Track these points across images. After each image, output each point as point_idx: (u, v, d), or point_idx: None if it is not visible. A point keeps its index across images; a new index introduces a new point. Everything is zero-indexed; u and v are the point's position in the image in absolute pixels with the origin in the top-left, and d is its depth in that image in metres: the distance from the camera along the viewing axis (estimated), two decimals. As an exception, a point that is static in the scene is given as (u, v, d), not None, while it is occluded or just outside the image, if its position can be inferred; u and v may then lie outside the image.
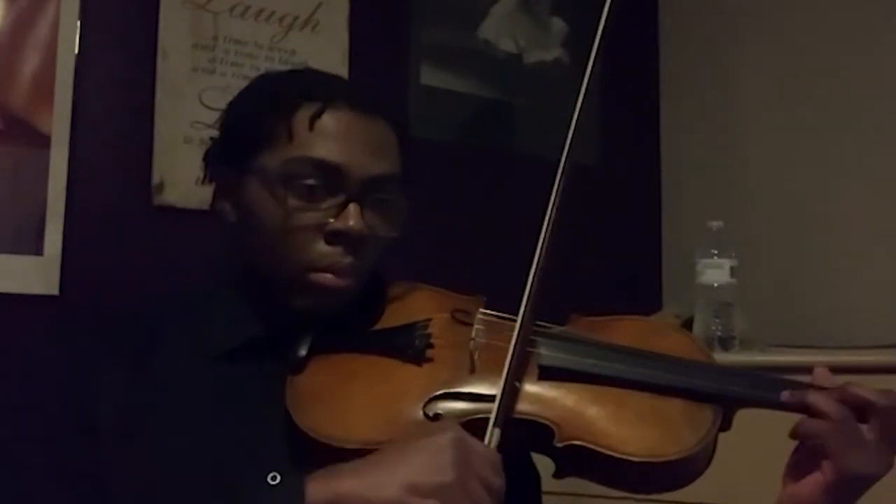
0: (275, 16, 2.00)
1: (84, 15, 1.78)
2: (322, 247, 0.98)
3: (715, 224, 1.90)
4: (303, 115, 1.00)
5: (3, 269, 1.67)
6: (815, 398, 0.93)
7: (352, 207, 0.98)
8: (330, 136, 0.99)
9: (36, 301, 1.69)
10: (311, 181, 0.98)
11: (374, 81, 2.12)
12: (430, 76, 2.23)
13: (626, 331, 1.04)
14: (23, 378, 1.33)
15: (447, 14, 2.28)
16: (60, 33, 1.75)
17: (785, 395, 0.95)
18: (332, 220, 0.98)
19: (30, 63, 1.72)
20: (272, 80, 1.08)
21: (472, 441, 0.86)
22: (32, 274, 1.69)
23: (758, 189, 2.34)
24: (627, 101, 2.56)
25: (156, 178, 1.83)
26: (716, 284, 1.86)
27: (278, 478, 0.91)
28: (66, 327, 1.10)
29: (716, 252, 1.87)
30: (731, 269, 1.87)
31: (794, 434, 0.94)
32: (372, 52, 2.13)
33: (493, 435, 0.89)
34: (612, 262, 2.40)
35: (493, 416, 0.90)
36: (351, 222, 0.97)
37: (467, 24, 2.31)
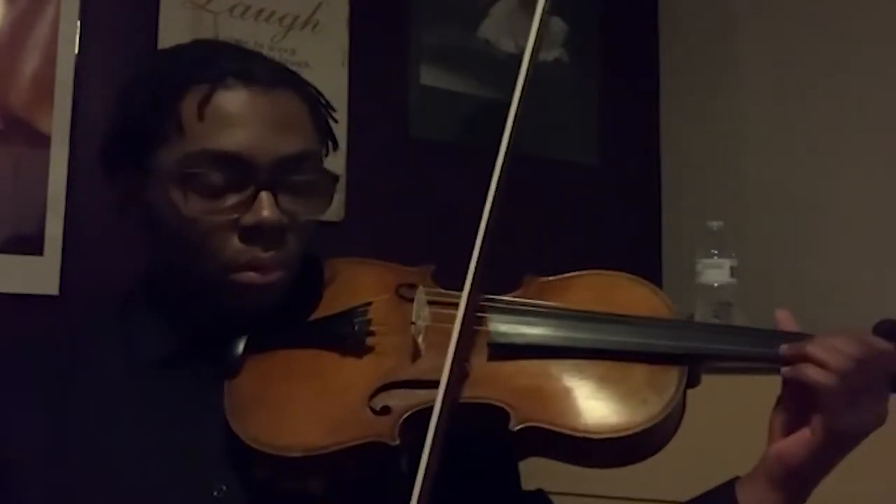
0: (275, 16, 2.00)
1: (84, 15, 1.78)
2: (237, 244, 0.89)
3: (715, 224, 1.90)
4: (190, 104, 0.88)
5: (3, 269, 1.67)
6: (817, 350, 0.86)
7: (263, 197, 0.88)
8: (225, 122, 0.88)
9: (36, 301, 1.69)
10: (212, 176, 0.87)
11: (374, 81, 2.12)
12: (430, 76, 2.23)
13: (583, 290, 0.96)
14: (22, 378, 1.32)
15: (447, 14, 2.28)
16: (60, 33, 1.75)
17: (783, 348, 0.88)
18: (242, 215, 0.88)
19: (30, 63, 1.72)
20: (154, 66, 0.97)
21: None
22: (32, 274, 1.69)
23: (758, 189, 2.34)
24: (627, 100, 2.56)
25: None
26: (716, 284, 1.86)
27: (224, 490, 0.88)
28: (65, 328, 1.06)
29: (716, 252, 1.87)
30: (731, 269, 1.87)
31: (790, 379, 0.87)
32: (372, 52, 2.13)
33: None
34: (612, 262, 2.39)
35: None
36: (265, 213, 0.87)
37: (467, 24, 2.31)
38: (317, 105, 0.96)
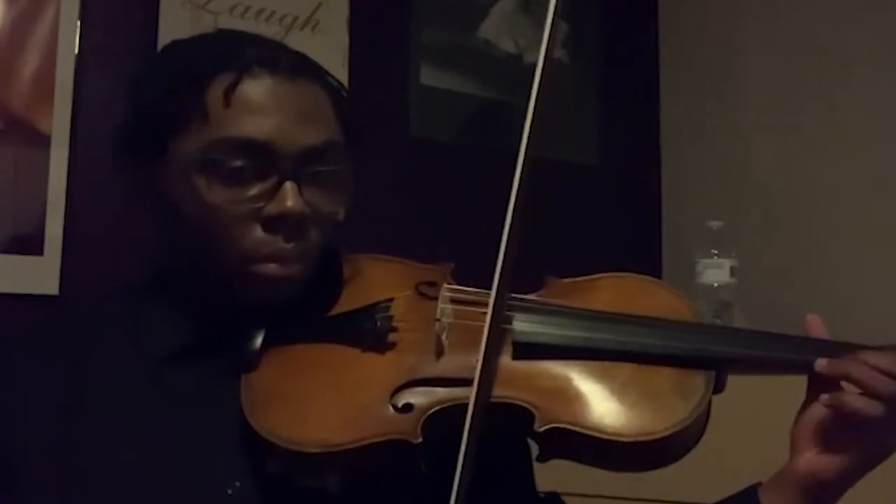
0: (275, 16, 2.00)
1: (84, 15, 1.78)
2: (260, 235, 0.87)
3: (715, 224, 1.90)
4: (216, 91, 0.87)
5: (3, 269, 1.67)
6: (861, 372, 0.83)
7: (287, 186, 0.87)
8: (250, 110, 0.87)
9: (36, 301, 1.69)
10: (235, 164, 0.86)
11: (374, 81, 2.12)
12: (430, 76, 2.23)
13: (606, 291, 0.96)
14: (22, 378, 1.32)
15: (447, 14, 2.28)
16: (60, 33, 1.75)
17: (821, 365, 0.85)
18: (265, 204, 0.87)
19: (30, 63, 1.72)
20: (179, 51, 0.95)
21: None
22: (32, 274, 1.69)
23: (758, 189, 2.34)
24: (627, 101, 2.56)
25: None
26: (716, 284, 1.86)
27: (238, 487, 0.87)
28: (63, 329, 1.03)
29: (716, 252, 1.87)
30: (731, 269, 1.87)
31: (831, 406, 0.84)
32: (372, 52, 2.13)
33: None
34: (612, 262, 2.39)
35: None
36: (288, 203, 0.86)
37: (467, 24, 2.31)
38: (340, 97, 0.95)
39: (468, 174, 2.25)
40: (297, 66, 0.91)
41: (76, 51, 1.76)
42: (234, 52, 0.90)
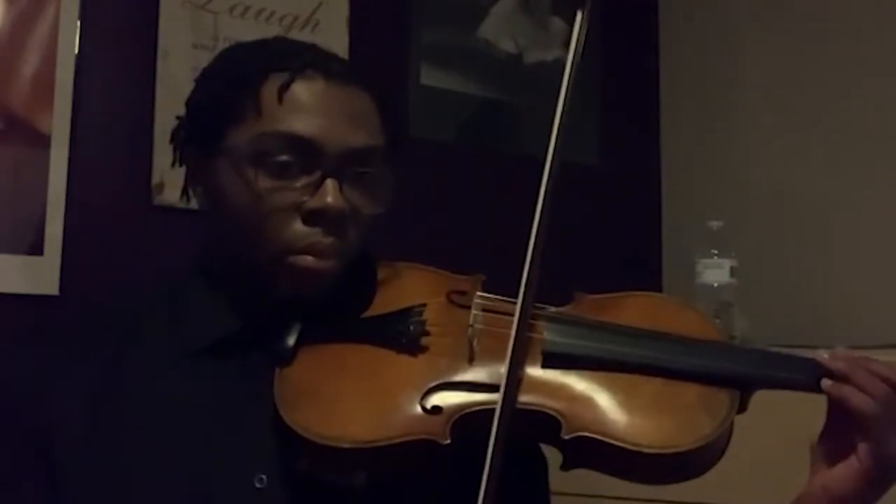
0: (275, 16, 2.00)
1: (84, 15, 1.77)
2: (299, 227, 0.92)
3: (715, 224, 1.90)
4: (271, 88, 0.94)
5: (3, 269, 1.67)
6: (861, 375, 0.88)
7: (329, 183, 0.92)
8: (301, 109, 0.93)
9: (36, 301, 1.69)
10: (283, 158, 0.92)
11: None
12: (430, 76, 2.23)
13: (635, 309, 0.98)
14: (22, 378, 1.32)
15: (447, 14, 2.28)
16: (60, 33, 1.75)
17: (824, 358, 0.90)
18: (308, 199, 0.92)
19: (30, 63, 1.72)
20: (238, 53, 1.02)
21: None
22: (32, 274, 1.69)
23: (758, 189, 2.34)
24: (627, 101, 2.56)
25: (156, 178, 1.83)
26: (716, 284, 1.86)
27: (265, 480, 0.89)
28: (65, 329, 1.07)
29: (716, 252, 1.87)
30: (731, 269, 1.87)
31: (834, 399, 0.89)
32: (372, 52, 2.12)
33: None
34: (612, 261, 2.40)
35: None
36: (329, 199, 0.91)
37: (467, 24, 2.31)
38: (386, 106, 1.00)
39: (468, 174, 2.25)
40: (349, 73, 0.97)
41: (76, 51, 1.76)
42: (291, 55, 0.97)
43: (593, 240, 2.36)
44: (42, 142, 1.72)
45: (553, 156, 0.95)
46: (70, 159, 1.73)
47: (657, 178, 2.60)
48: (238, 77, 0.95)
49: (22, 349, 1.01)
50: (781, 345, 1.86)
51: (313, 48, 1.01)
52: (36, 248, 1.70)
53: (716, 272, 1.86)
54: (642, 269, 2.47)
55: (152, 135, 1.83)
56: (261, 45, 1.02)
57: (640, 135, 2.59)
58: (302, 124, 0.92)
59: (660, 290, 2.47)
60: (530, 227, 0.91)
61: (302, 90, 0.94)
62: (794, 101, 2.29)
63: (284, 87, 0.93)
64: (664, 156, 2.61)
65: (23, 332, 1.63)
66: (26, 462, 0.95)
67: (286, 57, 0.96)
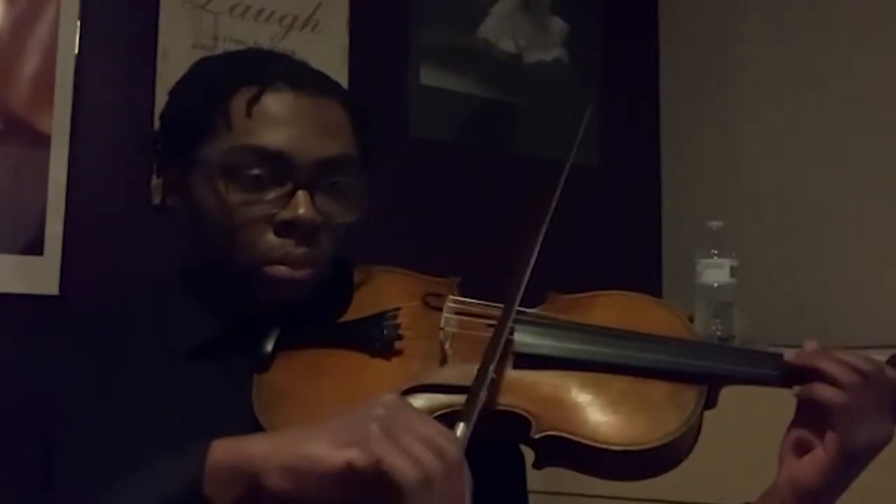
0: (275, 16, 2.00)
1: (84, 15, 1.78)
2: (272, 238, 0.93)
3: (715, 224, 1.90)
4: (240, 101, 0.94)
5: (3, 269, 1.67)
6: (826, 364, 0.89)
7: (300, 195, 0.93)
8: (270, 121, 0.94)
9: (36, 301, 1.69)
10: (254, 171, 0.93)
11: (374, 81, 2.12)
12: (430, 76, 2.23)
13: (606, 309, 0.99)
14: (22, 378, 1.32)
15: (447, 14, 2.28)
16: (60, 33, 1.75)
17: (790, 356, 0.91)
18: (279, 210, 0.93)
19: (30, 63, 1.72)
20: (210, 66, 1.02)
21: (405, 402, 0.78)
22: (32, 274, 1.69)
23: (758, 189, 2.34)
24: (627, 101, 2.56)
25: (156, 179, 1.83)
26: (716, 284, 1.86)
27: None
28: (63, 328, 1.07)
29: (716, 252, 1.87)
30: (731, 269, 1.87)
31: (803, 398, 0.91)
32: (372, 52, 2.13)
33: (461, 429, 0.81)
34: (612, 262, 2.40)
35: (472, 411, 0.82)
36: (300, 210, 0.92)
37: (467, 24, 2.31)
38: (359, 116, 1.01)
39: (468, 174, 2.25)
40: (320, 85, 0.98)
41: (76, 51, 1.77)
42: (260, 67, 0.97)
43: (593, 240, 2.36)
44: (42, 142, 1.72)
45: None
46: (70, 159, 1.74)
47: (657, 178, 2.60)
48: (208, 90, 0.96)
49: (22, 349, 1.01)
50: (781, 344, 1.87)
51: (286, 59, 1.02)
52: (36, 248, 1.70)
53: (716, 272, 1.86)
54: (642, 269, 2.47)
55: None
56: (232, 57, 1.03)
57: (640, 135, 2.59)
58: (271, 137, 0.93)
59: (660, 290, 2.47)
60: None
61: (271, 103, 0.94)
62: (794, 101, 2.29)
63: (253, 101, 0.94)
64: (664, 156, 2.61)
65: (23, 332, 1.63)
66: (26, 460, 0.95)
67: (256, 70, 0.97)
